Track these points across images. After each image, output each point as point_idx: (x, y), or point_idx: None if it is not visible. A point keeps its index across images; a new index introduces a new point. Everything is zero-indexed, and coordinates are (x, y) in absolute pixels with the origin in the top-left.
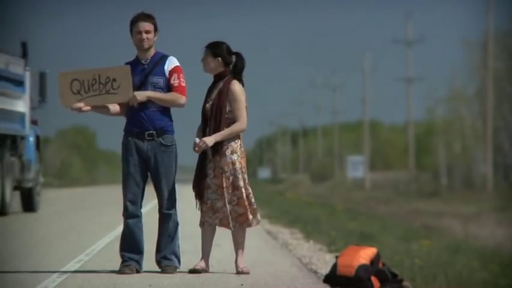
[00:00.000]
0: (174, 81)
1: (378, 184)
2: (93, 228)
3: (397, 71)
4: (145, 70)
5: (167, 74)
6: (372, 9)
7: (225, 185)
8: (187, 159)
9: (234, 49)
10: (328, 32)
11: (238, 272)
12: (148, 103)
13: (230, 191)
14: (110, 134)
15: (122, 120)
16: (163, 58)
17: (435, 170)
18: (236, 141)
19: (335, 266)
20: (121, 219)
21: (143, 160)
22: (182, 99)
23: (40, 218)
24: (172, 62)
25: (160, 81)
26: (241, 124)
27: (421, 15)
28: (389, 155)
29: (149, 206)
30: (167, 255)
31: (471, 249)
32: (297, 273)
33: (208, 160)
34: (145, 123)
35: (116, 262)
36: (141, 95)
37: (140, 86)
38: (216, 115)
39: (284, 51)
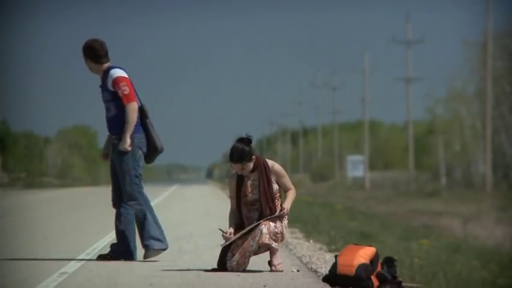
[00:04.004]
0: (119, 92)
1: (378, 184)
2: (94, 228)
3: (397, 71)
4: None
5: (111, 88)
6: (372, 9)
7: None
8: (188, 158)
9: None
10: (328, 32)
11: (272, 270)
12: (106, 113)
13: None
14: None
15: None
16: (106, 73)
17: (435, 169)
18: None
19: (335, 265)
20: None
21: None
22: (132, 105)
23: (40, 218)
24: (111, 76)
25: (106, 95)
26: (294, 190)
27: (421, 15)
28: (388, 155)
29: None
30: (145, 243)
31: (470, 249)
32: (297, 272)
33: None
34: (108, 131)
35: (116, 262)
36: (124, 144)
37: (103, 102)
38: (267, 201)
39: (284, 51)
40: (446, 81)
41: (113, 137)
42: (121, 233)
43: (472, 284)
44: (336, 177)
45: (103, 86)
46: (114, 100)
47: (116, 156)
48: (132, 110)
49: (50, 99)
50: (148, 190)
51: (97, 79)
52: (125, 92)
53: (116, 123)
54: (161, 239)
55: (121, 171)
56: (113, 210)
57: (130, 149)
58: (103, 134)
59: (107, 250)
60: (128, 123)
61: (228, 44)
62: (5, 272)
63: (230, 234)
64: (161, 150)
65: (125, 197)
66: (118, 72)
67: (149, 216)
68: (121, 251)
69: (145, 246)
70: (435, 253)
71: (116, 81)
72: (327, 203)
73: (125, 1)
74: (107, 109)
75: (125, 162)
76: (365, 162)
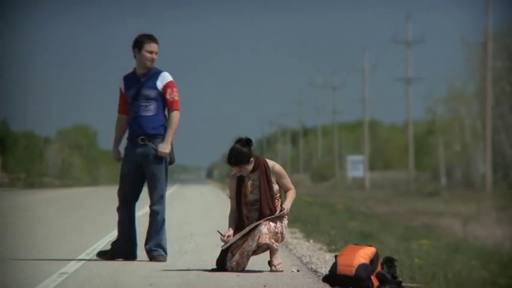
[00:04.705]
0: (169, 97)
1: (378, 184)
2: (94, 228)
3: (397, 71)
4: (139, 84)
5: (160, 88)
6: (372, 9)
7: None
8: (188, 158)
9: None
10: (328, 32)
11: (272, 270)
12: (141, 111)
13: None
14: (112, 133)
15: None
16: (156, 73)
17: (435, 169)
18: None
19: (334, 265)
20: None
21: (136, 160)
22: (178, 113)
23: (40, 218)
24: (165, 78)
25: (152, 93)
26: (294, 190)
27: (421, 15)
28: (388, 155)
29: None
30: (153, 248)
31: (470, 249)
32: (297, 272)
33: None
34: (137, 130)
35: (116, 262)
36: (166, 149)
37: (134, 98)
38: (267, 201)
39: (284, 51)
40: (446, 81)
41: (142, 137)
42: (131, 233)
43: (472, 284)
44: (336, 177)
45: (148, 83)
46: (157, 100)
47: (150, 159)
48: (177, 117)
49: (50, 99)
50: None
51: (98, 80)
52: (176, 98)
53: (151, 124)
54: (166, 251)
55: (153, 175)
56: (114, 209)
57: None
58: (103, 134)
59: (107, 249)
60: (172, 129)
61: (227, 44)
62: (5, 272)
63: (228, 237)
64: (173, 162)
65: (153, 201)
66: (171, 77)
67: (165, 224)
68: (123, 250)
69: (151, 251)
70: (435, 253)
71: (170, 85)
72: (327, 203)
73: (125, 1)
74: (144, 108)
75: (161, 166)
76: (365, 162)
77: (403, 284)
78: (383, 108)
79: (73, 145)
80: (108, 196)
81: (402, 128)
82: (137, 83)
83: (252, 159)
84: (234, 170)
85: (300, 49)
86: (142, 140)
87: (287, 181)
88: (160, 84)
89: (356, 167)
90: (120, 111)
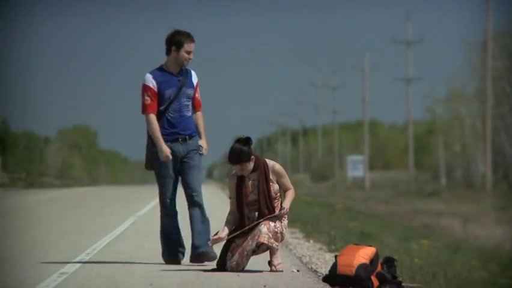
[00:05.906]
0: (198, 95)
1: (378, 184)
2: (93, 228)
3: (397, 71)
4: (180, 83)
5: (194, 86)
6: (372, 9)
7: None
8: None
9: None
10: (328, 32)
11: (272, 270)
12: (184, 111)
13: None
14: (112, 133)
15: (124, 121)
16: (187, 71)
17: (435, 169)
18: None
19: (334, 265)
20: (120, 219)
21: (177, 161)
22: (202, 111)
23: (40, 218)
24: (195, 76)
25: (192, 92)
26: (293, 190)
27: (421, 15)
28: (388, 155)
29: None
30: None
31: (470, 249)
32: (297, 272)
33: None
34: (182, 131)
35: (116, 262)
36: (206, 146)
37: (175, 97)
38: (266, 200)
39: (284, 51)
40: (446, 81)
41: (184, 137)
42: (180, 239)
43: (472, 284)
44: (336, 177)
45: (187, 82)
46: (191, 99)
47: (191, 154)
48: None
49: (50, 99)
50: (150, 190)
51: (97, 80)
52: (201, 97)
53: (192, 124)
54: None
55: (196, 173)
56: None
57: None
58: (103, 134)
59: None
60: (204, 127)
61: (227, 44)
62: (5, 272)
63: (220, 238)
64: None
65: (198, 197)
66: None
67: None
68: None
69: (199, 248)
70: (435, 253)
71: (198, 84)
72: (327, 203)
73: (125, 1)
74: (187, 107)
75: (200, 163)
76: (365, 162)
77: (403, 284)
78: (383, 108)
79: (73, 145)
80: (108, 196)
81: (402, 128)
82: (175, 81)
83: (252, 157)
84: (235, 169)
85: (300, 49)
86: (183, 139)
87: (287, 181)
88: (194, 82)
89: (356, 167)
90: (153, 110)
